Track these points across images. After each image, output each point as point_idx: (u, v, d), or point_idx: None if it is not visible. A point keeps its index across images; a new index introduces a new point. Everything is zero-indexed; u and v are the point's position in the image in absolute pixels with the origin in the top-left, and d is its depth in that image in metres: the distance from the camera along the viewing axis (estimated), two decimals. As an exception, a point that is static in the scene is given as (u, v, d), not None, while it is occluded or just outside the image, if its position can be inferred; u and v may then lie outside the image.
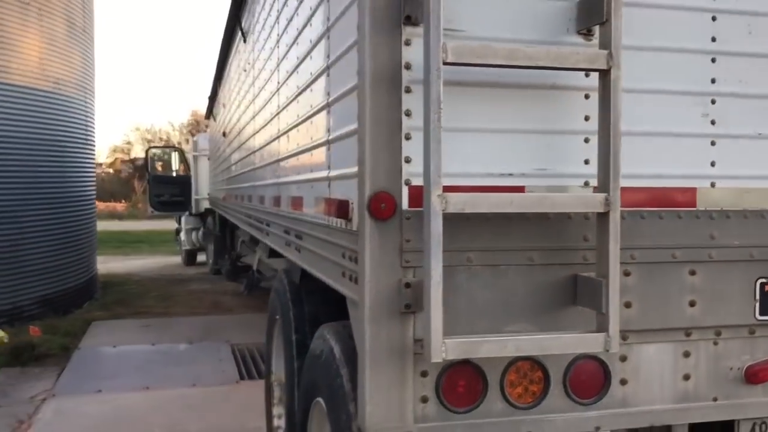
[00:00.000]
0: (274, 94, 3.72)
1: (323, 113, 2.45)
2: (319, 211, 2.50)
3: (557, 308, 1.98)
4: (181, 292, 10.55)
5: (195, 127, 41.41)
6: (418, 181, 1.84)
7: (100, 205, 22.80)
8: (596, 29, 1.91)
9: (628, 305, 2.02)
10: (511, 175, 1.93)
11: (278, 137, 3.59)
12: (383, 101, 1.84)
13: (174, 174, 14.97)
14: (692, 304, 2.08)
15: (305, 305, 3.39)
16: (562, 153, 1.97)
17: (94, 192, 11.29)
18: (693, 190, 2.07)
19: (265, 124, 4.14)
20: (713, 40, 2.04)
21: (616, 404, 2.06)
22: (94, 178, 11.58)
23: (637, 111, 1.98)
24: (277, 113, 3.61)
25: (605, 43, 1.83)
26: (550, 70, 1.88)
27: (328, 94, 2.36)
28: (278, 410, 4.12)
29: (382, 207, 1.86)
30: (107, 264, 13.21)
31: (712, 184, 2.08)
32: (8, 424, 4.91)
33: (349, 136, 2.05)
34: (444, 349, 1.73)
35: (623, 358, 2.06)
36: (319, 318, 3.28)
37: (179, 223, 15.44)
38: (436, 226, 1.73)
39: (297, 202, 3.00)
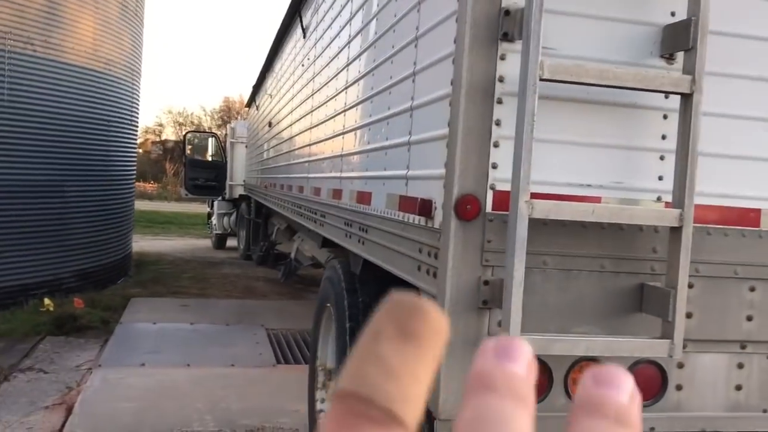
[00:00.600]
0: (340, 92, 3.87)
1: (404, 116, 2.59)
2: (393, 207, 2.65)
3: (623, 314, 2.11)
4: (215, 275, 10.77)
5: (227, 113, 41.83)
6: (502, 186, 1.97)
7: (133, 185, 23.09)
8: (679, 54, 2.03)
9: (689, 315, 2.14)
10: (589, 186, 2.06)
11: (343, 134, 3.74)
12: (476, 110, 1.98)
13: (210, 159, 15.21)
14: (749, 318, 2.19)
15: (359, 295, 3.54)
16: (637, 168, 2.10)
17: (134, 171, 11.56)
18: (758, 211, 2.18)
19: (326, 120, 4.29)
20: (788, 70, 2.15)
21: (671, 408, 2.19)
22: (136, 158, 11.85)
23: (711, 133, 2.10)
24: (343, 111, 3.76)
25: (689, 69, 1.95)
26: (633, 90, 2.00)
27: (412, 98, 2.50)
28: (321, 394, 4.28)
29: (467, 208, 2.00)
30: (138, 243, 13.48)
31: (777, 207, 2.19)
32: (58, 389, 5.13)
33: (436, 140, 2.19)
34: (521, 344, 1.87)
35: (680, 365, 2.18)
36: (374, 308, 3.42)
37: (211, 207, 15.69)
38: (522, 230, 1.86)
39: (364, 197, 3.15)
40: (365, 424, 0.19)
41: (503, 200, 1.97)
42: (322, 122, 4.48)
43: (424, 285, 2.25)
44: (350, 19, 3.73)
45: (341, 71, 3.90)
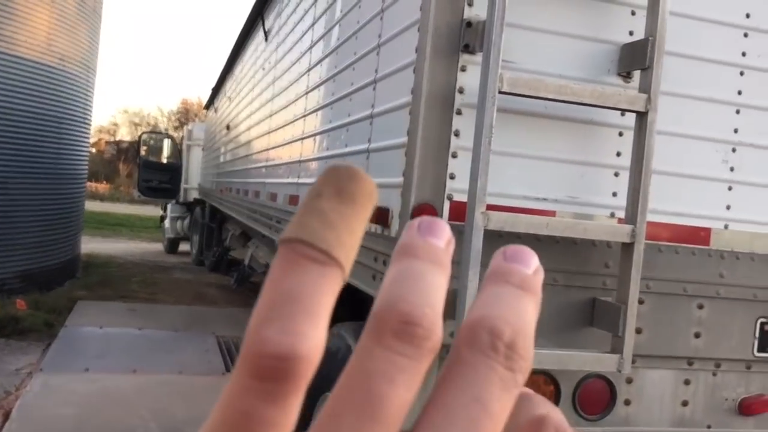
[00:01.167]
0: (300, 97, 3.84)
1: (364, 123, 2.57)
2: (349, 215, 2.62)
3: (574, 328, 2.12)
4: (165, 280, 10.55)
5: (184, 115, 41.27)
6: (459, 197, 1.97)
7: (84, 185, 22.56)
8: (635, 73, 2.06)
9: (638, 331, 2.16)
10: (545, 199, 2.07)
11: (301, 139, 3.71)
12: (435, 120, 1.97)
13: (164, 161, 14.96)
14: (697, 335, 2.23)
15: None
16: (592, 184, 2.12)
17: (86, 171, 11.28)
18: (708, 230, 2.23)
19: (285, 125, 4.25)
20: (739, 93, 2.21)
21: (619, 422, 2.21)
22: (88, 158, 11.57)
23: (665, 152, 2.14)
24: (303, 116, 3.72)
25: (645, 87, 1.98)
26: (590, 107, 2.02)
27: (372, 106, 2.49)
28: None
29: (424, 218, 1.98)
30: (87, 244, 13.14)
31: (726, 226, 2.24)
32: (-5, 394, 4.94)
33: (394, 149, 2.18)
34: (474, 356, 1.86)
35: (629, 380, 2.21)
36: (330, 319, 3.38)
37: (165, 210, 15.41)
38: (477, 241, 1.86)
39: (320, 204, 3.12)
40: (308, 263, 0.22)
41: (460, 211, 1.96)
42: (281, 127, 4.43)
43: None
44: (313, 24, 3.70)
45: (302, 76, 3.87)
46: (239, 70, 7.82)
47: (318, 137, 3.32)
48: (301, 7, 4.10)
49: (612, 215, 2.13)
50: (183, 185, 13.90)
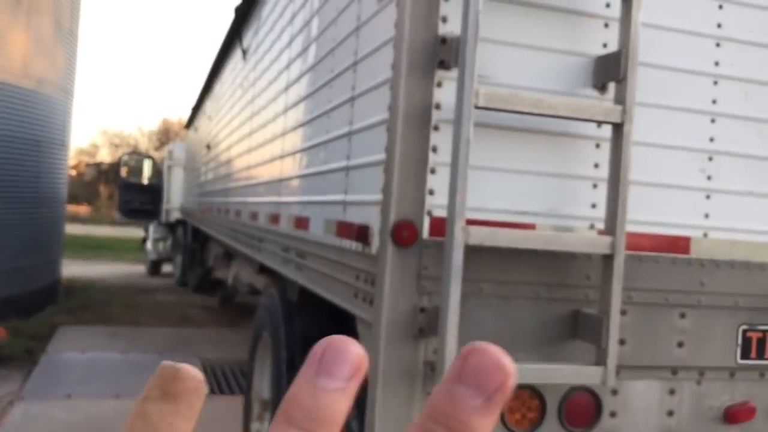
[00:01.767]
0: (279, 116, 3.83)
1: (343, 141, 2.57)
2: (330, 232, 2.60)
3: (558, 341, 2.11)
4: (148, 302, 10.44)
5: (165, 135, 41.09)
6: (439, 213, 1.96)
7: (64, 208, 22.36)
8: (610, 85, 2.08)
9: (622, 342, 2.16)
10: (524, 213, 2.07)
11: (281, 157, 3.69)
12: (413, 137, 1.97)
13: (145, 181, 14.85)
14: (680, 344, 2.23)
15: (297, 322, 3.47)
16: (571, 196, 2.12)
17: (65, 194, 11.18)
18: (687, 239, 2.23)
19: (265, 143, 4.23)
20: (714, 102, 2.23)
21: (606, 435, 2.19)
22: (67, 180, 11.46)
23: (642, 162, 2.15)
24: (282, 134, 3.71)
25: (620, 99, 1.99)
26: (566, 119, 2.03)
27: (350, 123, 2.48)
28: (257, 426, 4.16)
29: (404, 234, 1.97)
30: (68, 268, 12.98)
31: (705, 235, 2.25)
32: (-25, 424, 4.84)
33: (373, 166, 2.17)
34: (458, 372, 1.85)
35: (614, 392, 2.20)
36: (312, 336, 3.36)
37: (146, 232, 15.28)
38: (457, 256, 1.85)
39: (302, 222, 3.10)
40: None
41: (440, 226, 1.96)
42: (261, 145, 4.41)
43: (360, 312, 2.21)
44: (290, 42, 3.70)
45: (280, 94, 3.86)
46: (218, 88, 7.81)
47: (298, 155, 3.31)
48: (278, 25, 4.10)
49: (591, 226, 2.13)
50: (164, 206, 13.80)
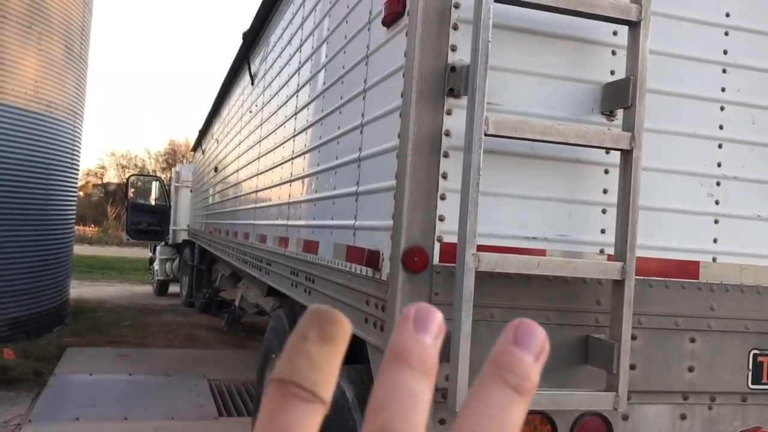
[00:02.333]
0: (288, 140, 3.86)
1: (352, 166, 2.59)
2: (340, 257, 2.62)
3: (568, 366, 2.12)
4: (156, 323, 10.44)
5: (172, 157, 41.34)
6: (449, 239, 1.98)
7: (72, 229, 22.45)
8: (619, 111, 2.10)
9: (632, 367, 2.16)
10: (534, 238, 2.08)
11: (290, 181, 3.72)
12: (423, 164, 1.99)
13: (153, 203, 14.92)
14: (691, 369, 2.23)
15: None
16: (581, 222, 2.13)
17: (74, 216, 11.24)
18: (696, 264, 2.24)
19: (274, 167, 4.27)
20: (721, 127, 2.24)
21: (617, 460, 2.19)
22: (76, 202, 11.53)
23: (651, 188, 2.16)
24: (291, 159, 3.75)
25: (629, 126, 2.01)
26: (575, 146, 2.05)
27: (360, 149, 2.51)
28: (265, 449, 4.15)
29: (414, 260, 1.99)
30: (76, 289, 13.03)
31: (714, 259, 2.25)
32: (-17, 448, 4.84)
33: (383, 192, 2.19)
34: (469, 399, 1.85)
35: (625, 417, 2.20)
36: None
37: (154, 252, 15.31)
38: (468, 283, 1.86)
39: (311, 246, 3.12)
40: (298, 402, 0.26)
41: (450, 252, 1.97)
42: (270, 169, 4.45)
43: (370, 338, 2.22)
44: (299, 69, 3.74)
45: (289, 119, 3.90)
46: (226, 112, 7.88)
47: (306, 180, 3.34)
48: (287, 51, 4.15)
49: (601, 251, 2.14)
50: (171, 227, 13.85)
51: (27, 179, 8.91)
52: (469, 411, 0.29)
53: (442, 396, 1.98)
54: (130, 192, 14.91)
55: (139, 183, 16.41)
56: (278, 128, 4.23)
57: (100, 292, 14.26)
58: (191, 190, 13.05)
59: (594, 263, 2.07)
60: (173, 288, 14.53)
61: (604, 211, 2.14)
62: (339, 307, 2.59)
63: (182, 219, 13.60)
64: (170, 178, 16.54)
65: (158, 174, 27.42)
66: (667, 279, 2.20)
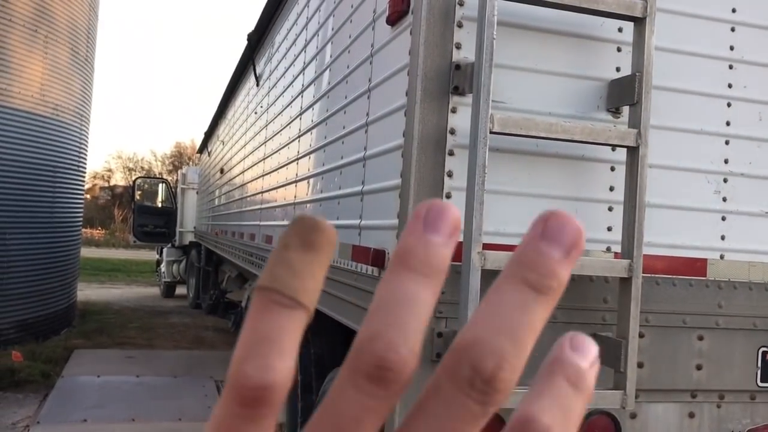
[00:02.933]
0: (293, 141, 3.86)
1: (357, 166, 2.59)
2: (345, 256, 2.62)
3: (576, 364, 2.10)
4: (163, 325, 10.47)
5: (178, 159, 41.43)
6: (455, 238, 1.97)
7: (79, 231, 22.52)
8: (624, 108, 2.09)
9: (640, 365, 2.15)
10: (540, 237, 2.07)
11: (295, 182, 3.72)
12: (428, 162, 1.99)
13: (159, 205, 14.96)
14: (699, 367, 2.21)
15: (311, 346, 3.47)
16: (587, 219, 2.12)
17: (81, 218, 11.27)
18: (704, 261, 2.23)
19: (279, 167, 4.27)
20: (728, 124, 2.23)
21: (626, 459, 2.17)
22: (83, 205, 11.57)
23: (658, 185, 2.15)
24: (296, 159, 3.74)
25: (635, 122, 2.00)
26: (580, 144, 2.04)
27: (365, 149, 2.50)
28: (272, 450, 4.15)
29: (420, 260, 1.98)
30: (84, 291, 13.08)
31: (722, 257, 2.24)
32: (-9, 449, 4.86)
33: (388, 190, 2.19)
34: (476, 397, 1.84)
35: (633, 416, 2.18)
36: (325, 359, 3.36)
37: (160, 254, 15.35)
38: (475, 281, 1.86)
39: (316, 247, 3.11)
40: (278, 308, 0.26)
41: (456, 251, 1.96)
42: (275, 170, 4.45)
43: (377, 337, 2.22)
44: (303, 69, 3.74)
45: (294, 120, 3.90)
46: (231, 114, 7.89)
47: (312, 180, 3.34)
48: (291, 52, 4.15)
49: (608, 249, 2.13)
50: (178, 229, 13.88)
51: (34, 182, 8.94)
52: (475, 316, 0.27)
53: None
54: (137, 194, 14.95)
55: (146, 185, 16.45)
56: (283, 129, 4.23)
57: (107, 294, 14.30)
58: (197, 192, 13.09)
59: (601, 261, 2.06)
60: (180, 290, 14.57)
61: (610, 209, 2.13)
62: (344, 306, 2.59)
63: (189, 221, 13.62)
64: (176, 180, 16.58)
65: (164, 176, 27.50)
66: (674, 276, 2.19)
